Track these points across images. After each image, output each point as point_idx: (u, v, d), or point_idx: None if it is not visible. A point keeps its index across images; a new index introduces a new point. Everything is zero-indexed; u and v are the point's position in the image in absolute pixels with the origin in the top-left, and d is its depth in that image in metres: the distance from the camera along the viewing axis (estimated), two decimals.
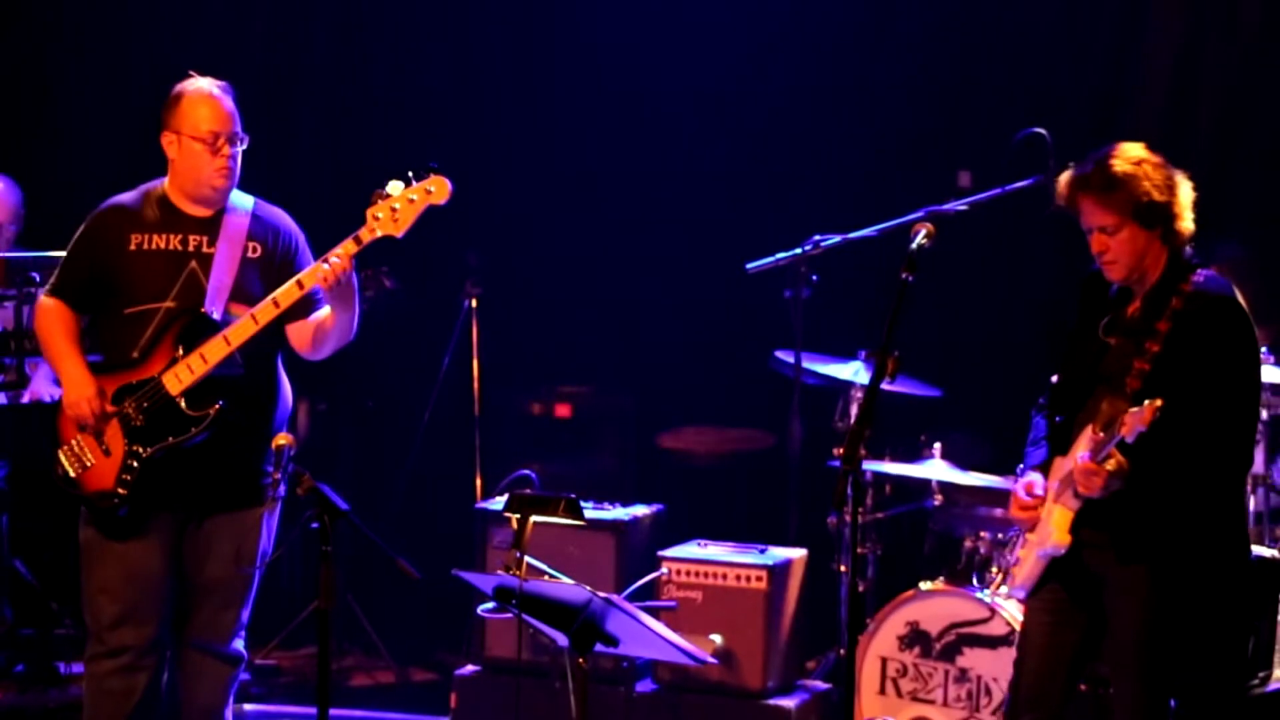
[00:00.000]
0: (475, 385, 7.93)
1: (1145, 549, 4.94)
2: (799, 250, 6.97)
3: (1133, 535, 4.95)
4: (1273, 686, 6.22)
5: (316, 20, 9.04)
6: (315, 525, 4.89)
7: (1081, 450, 4.96)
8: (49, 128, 8.87)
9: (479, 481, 7.77)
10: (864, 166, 8.38)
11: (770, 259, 6.98)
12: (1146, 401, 4.71)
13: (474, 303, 7.94)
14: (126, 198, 5.57)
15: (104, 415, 5.39)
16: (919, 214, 6.31)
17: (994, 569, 6.44)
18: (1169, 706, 5.08)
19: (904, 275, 4.93)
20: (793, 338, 7.08)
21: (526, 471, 7.03)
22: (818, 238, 6.97)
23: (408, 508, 8.17)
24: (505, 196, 8.83)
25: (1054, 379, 5.30)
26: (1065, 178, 5.07)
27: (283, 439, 5.03)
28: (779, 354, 7.27)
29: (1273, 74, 7.88)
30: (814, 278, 7.04)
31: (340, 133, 9.02)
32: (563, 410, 8.39)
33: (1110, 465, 4.85)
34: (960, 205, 6.69)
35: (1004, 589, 6.22)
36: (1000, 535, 6.46)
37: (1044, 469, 5.18)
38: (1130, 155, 5.02)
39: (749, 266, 7.01)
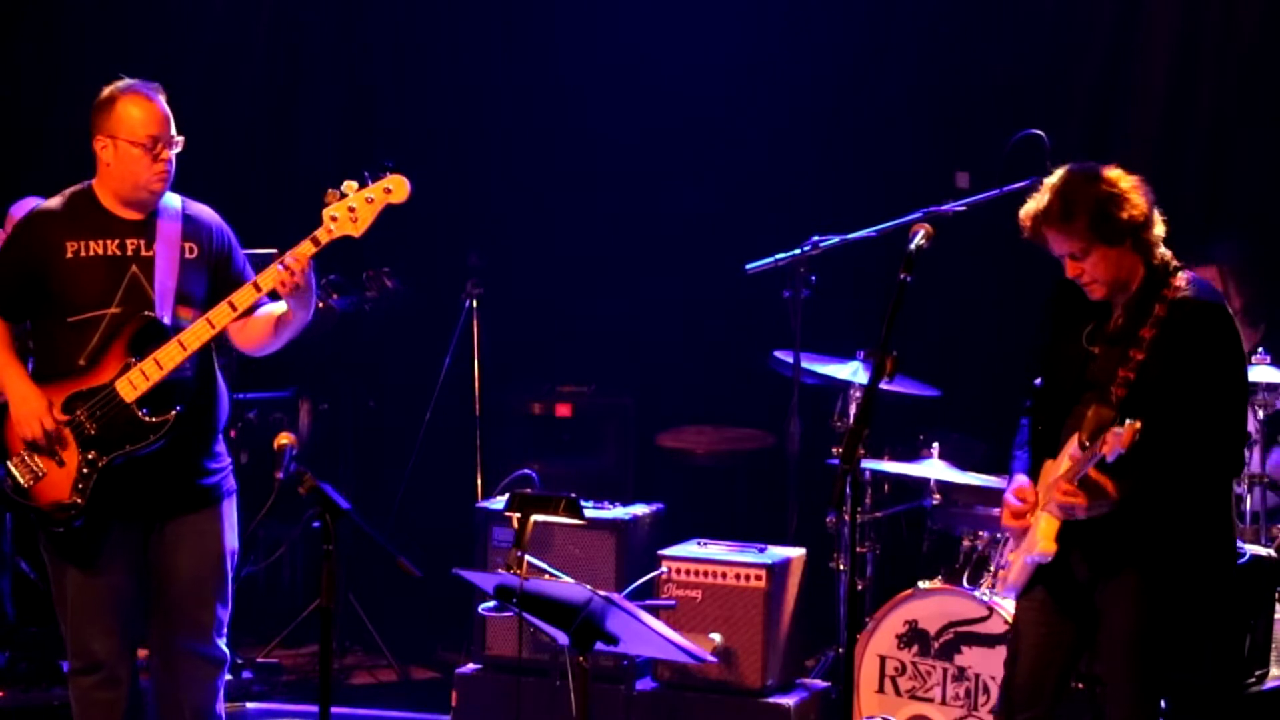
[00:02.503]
0: (476, 385, 7.95)
1: (1125, 555, 4.94)
2: (798, 251, 6.99)
3: (1113, 543, 4.96)
4: (1270, 684, 6.25)
5: (317, 21, 9.05)
6: (317, 524, 4.90)
7: (1066, 462, 4.98)
8: (52, 133, 8.89)
9: (479, 481, 7.79)
10: (863, 167, 8.41)
11: (770, 259, 7.01)
12: (1127, 422, 4.71)
13: (475, 303, 7.96)
14: (53, 204, 5.47)
15: (57, 432, 5.27)
16: (917, 215, 6.34)
17: (990, 568, 6.47)
18: (1160, 706, 5.09)
19: (902, 276, 4.94)
20: (792, 338, 7.10)
21: (527, 471, 7.06)
22: (817, 238, 6.99)
23: (408, 507, 8.20)
24: (505, 197, 8.86)
25: (1037, 382, 5.31)
26: (1025, 213, 5.04)
27: (285, 438, 5.02)
28: (778, 354, 7.29)
29: (1271, 74, 7.89)
30: (813, 278, 7.06)
31: (340, 134, 9.04)
32: (563, 410, 8.41)
33: (1090, 487, 4.86)
34: (958, 206, 6.71)
35: (994, 590, 6.25)
36: (998, 534, 6.48)
37: (1032, 474, 5.20)
38: (1082, 177, 4.98)
39: (749, 267, 7.03)
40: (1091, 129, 8.02)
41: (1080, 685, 5.75)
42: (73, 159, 8.58)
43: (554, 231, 8.79)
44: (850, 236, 6.94)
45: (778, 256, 7.00)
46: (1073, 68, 8.21)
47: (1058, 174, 5.04)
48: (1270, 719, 6.25)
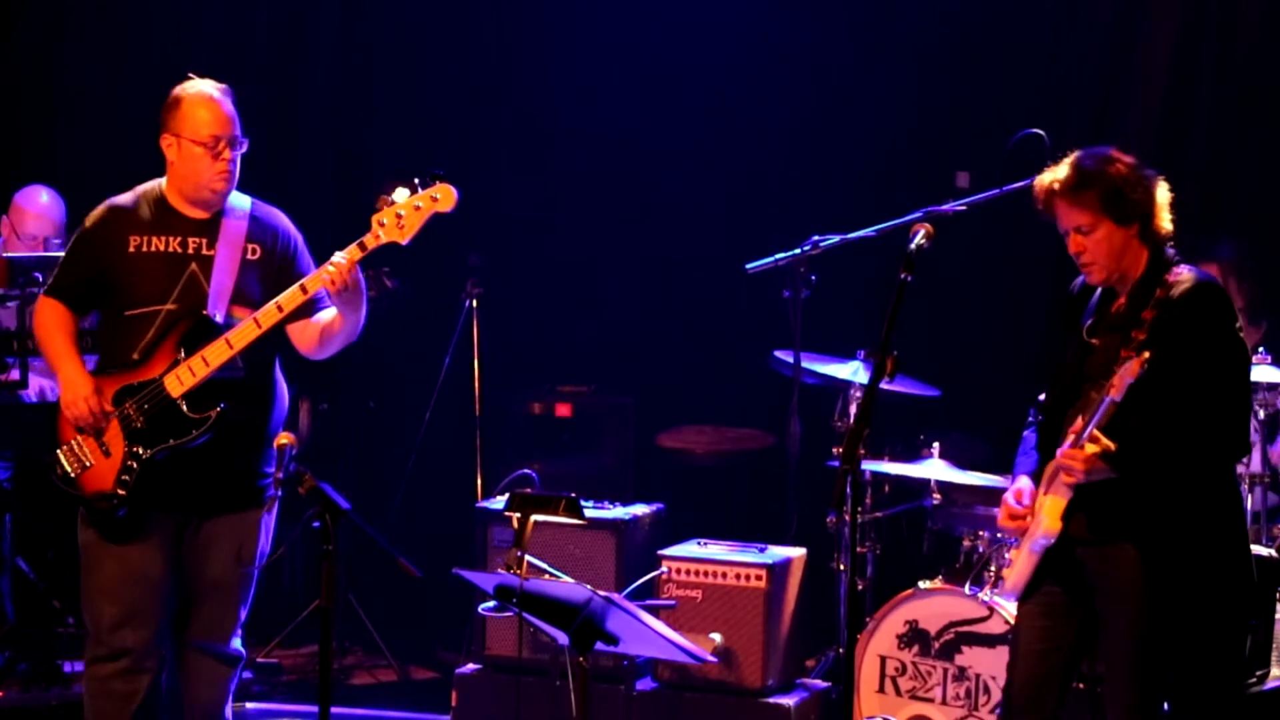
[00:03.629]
0: (476, 385, 7.95)
1: (1127, 533, 4.94)
2: (798, 250, 6.98)
3: (1113, 516, 4.95)
4: (1270, 685, 6.24)
5: (318, 21, 9.05)
6: (317, 524, 4.91)
7: (1068, 442, 4.98)
8: (53, 130, 8.89)
9: (479, 481, 7.79)
10: (863, 167, 8.41)
11: (770, 259, 7.00)
12: (1134, 357, 4.73)
13: (475, 303, 7.96)
14: (124, 199, 5.56)
15: (103, 415, 5.37)
16: (917, 214, 6.33)
17: (991, 569, 6.47)
18: (1162, 706, 5.08)
19: (902, 275, 4.95)
20: (792, 338, 7.10)
21: (527, 471, 7.06)
22: (817, 238, 6.99)
23: (408, 507, 8.19)
24: (506, 197, 8.85)
25: (1041, 397, 5.31)
26: (1040, 183, 5.08)
27: (284, 438, 5.04)
28: (778, 354, 7.29)
29: (1271, 73, 7.89)
30: (813, 278, 7.05)
31: (342, 134, 9.04)
32: (563, 410, 8.41)
33: (1094, 448, 4.86)
34: (958, 206, 6.70)
35: (995, 592, 6.24)
36: (999, 534, 6.48)
37: (1035, 477, 5.19)
38: (1101, 155, 5.03)
39: (749, 266, 7.03)
40: (1092, 128, 8.00)
41: (1081, 685, 5.74)
42: (74, 158, 8.70)
43: (554, 231, 8.79)
44: (850, 236, 6.94)
45: (778, 256, 7.00)
46: (1073, 67, 8.20)
47: (1077, 152, 5.06)
48: (1271, 719, 6.24)
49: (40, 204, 7.83)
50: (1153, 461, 4.91)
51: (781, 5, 8.59)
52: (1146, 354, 4.71)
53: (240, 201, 5.57)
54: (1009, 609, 6.17)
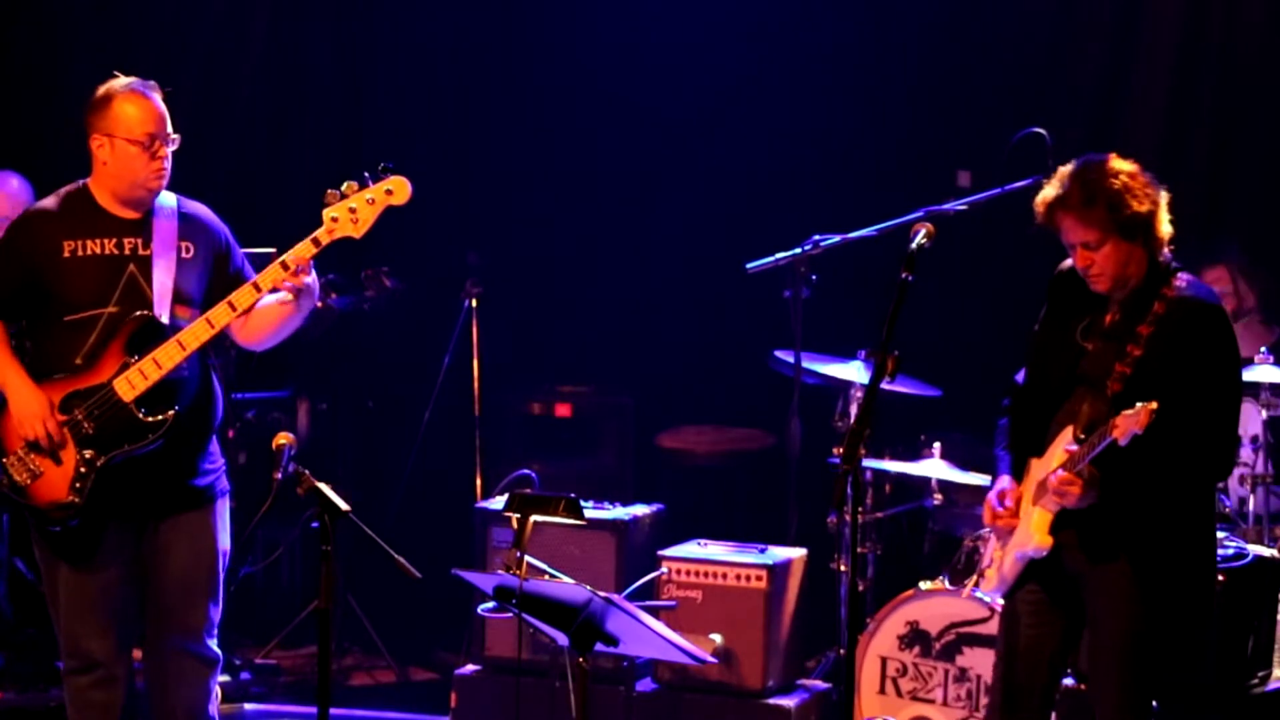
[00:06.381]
0: (475, 385, 7.93)
1: (1115, 548, 4.93)
2: (799, 250, 6.98)
3: (1102, 535, 4.94)
4: (1272, 686, 6.24)
5: (316, 20, 9.04)
6: (315, 525, 4.89)
7: (1059, 455, 4.97)
8: (53, 129, 8.87)
9: (479, 481, 7.78)
10: (864, 166, 8.40)
11: (770, 259, 6.99)
12: (1140, 404, 4.70)
13: (474, 302, 7.94)
14: (48, 203, 5.46)
15: (60, 432, 5.27)
16: (918, 214, 6.33)
17: (975, 558, 6.46)
18: (1150, 706, 5.07)
19: (903, 275, 4.93)
20: (792, 338, 7.09)
21: (526, 471, 7.04)
22: (817, 238, 6.98)
23: (408, 508, 8.18)
24: (505, 196, 8.85)
25: (1018, 377, 5.30)
26: (1042, 198, 5.04)
27: (284, 438, 5.00)
28: (779, 354, 7.29)
29: (1273, 73, 7.88)
30: (814, 278, 7.04)
31: (340, 133, 9.03)
32: (563, 410, 8.40)
33: (1085, 476, 4.85)
34: (959, 205, 6.70)
35: (980, 589, 6.23)
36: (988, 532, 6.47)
37: (1016, 473, 5.17)
38: (1105, 169, 4.97)
39: (749, 266, 7.02)
40: (1093, 128, 8.01)
41: (1083, 687, 5.73)
42: (72, 159, 8.67)
43: (554, 231, 8.78)
44: (851, 236, 6.93)
45: (778, 256, 6.99)
46: (1075, 66, 8.20)
47: (1076, 162, 5.03)
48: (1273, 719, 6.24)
49: (11, 187, 7.78)
50: (1142, 491, 4.90)
51: (782, 5, 8.58)
52: (1154, 404, 4.68)
53: (167, 200, 5.48)
54: None
